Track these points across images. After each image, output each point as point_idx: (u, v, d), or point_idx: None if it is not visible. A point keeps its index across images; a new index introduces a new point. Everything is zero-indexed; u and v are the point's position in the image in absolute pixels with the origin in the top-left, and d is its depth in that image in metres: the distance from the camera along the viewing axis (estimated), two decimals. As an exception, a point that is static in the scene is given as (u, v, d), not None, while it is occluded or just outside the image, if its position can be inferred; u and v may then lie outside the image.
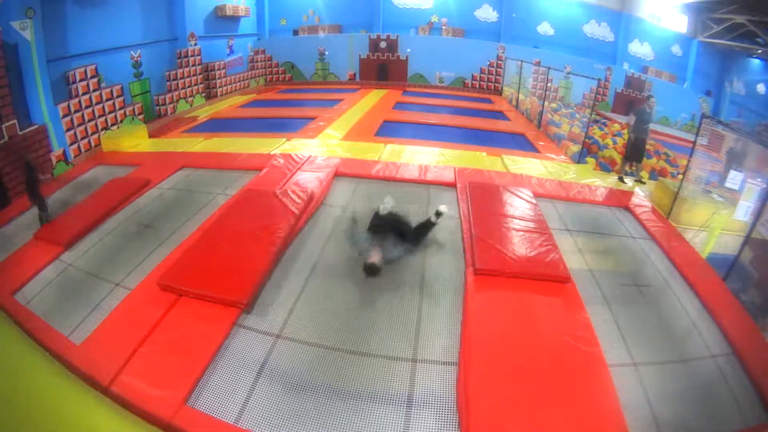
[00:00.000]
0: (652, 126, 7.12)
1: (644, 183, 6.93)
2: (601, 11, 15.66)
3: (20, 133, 6.20)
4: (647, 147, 7.69)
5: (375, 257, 3.69)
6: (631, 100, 14.78)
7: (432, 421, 2.61)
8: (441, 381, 2.88)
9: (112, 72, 8.51)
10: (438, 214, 4.21)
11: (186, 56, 11.11)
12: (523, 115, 12.17)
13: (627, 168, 7.14)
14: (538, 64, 13.31)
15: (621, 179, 6.90)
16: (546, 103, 10.73)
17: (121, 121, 8.68)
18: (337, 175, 6.08)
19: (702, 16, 15.04)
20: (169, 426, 2.57)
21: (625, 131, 6.80)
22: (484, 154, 7.58)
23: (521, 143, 9.21)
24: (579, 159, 8.09)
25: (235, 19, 13.56)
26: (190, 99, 11.46)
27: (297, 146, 7.55)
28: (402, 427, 2.56)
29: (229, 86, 13.59)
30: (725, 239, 5.04)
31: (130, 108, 9.02)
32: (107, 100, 8.30)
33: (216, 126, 9.66)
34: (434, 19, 15.96)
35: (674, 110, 15.48)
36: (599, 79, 9.60)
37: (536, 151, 8.57)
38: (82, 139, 7.63)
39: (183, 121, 10.04)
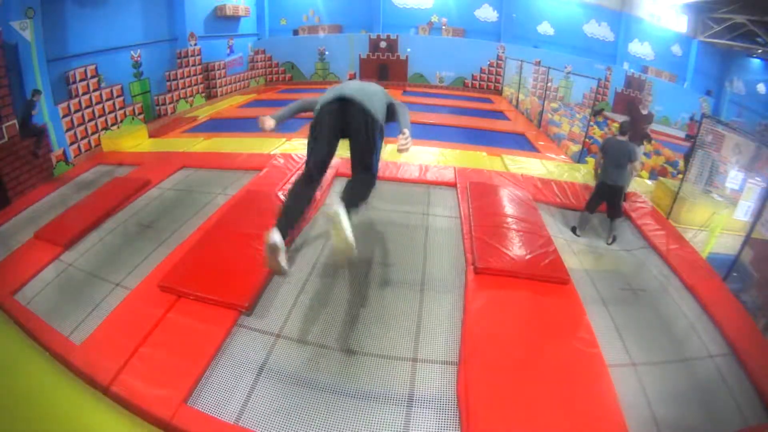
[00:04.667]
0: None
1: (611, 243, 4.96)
2: (601, 11, 15.65)
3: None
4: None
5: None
6: (631, 100, 14.78)
7: (432, 420, 2.61)
8: (441, 380, 2.88)
9: (112, 72, 8.51)
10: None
11: (186, 56, 11.11)
12: (523, 114, 12.16)
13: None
14: (538, 64, 13.30)
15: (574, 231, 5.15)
16: (546, 102, 10.74)
17: (121, 121, 8.68)
18: (338, 175, 6.07)
19: (702, 16, 15.02)
20: (169, 426, 2.57)
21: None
22: (484, 154, 7.57)
23: (521, 143, 9.21)
24: (579, 159, 8.09)
25: (235, 19, 13.56)
26: (190, 99, 11.46)
27: (297, 146, 7.53)
28: (402, 427, 2.56)
29: (229, 86, 13.58)
30: (725, 239, 5.03)
31: (130, 108, 9.02)
32: (107, 100, 8.30)
33: (216, 126, 9.66)
34: (434, 19, 15.94)
35: (674, 110, 15.48)
36: (599, 79, 9.62)
37: (536, 150, 8.56)
38: (82, 139, 7.63)
39: (183, 121, 10.03)
